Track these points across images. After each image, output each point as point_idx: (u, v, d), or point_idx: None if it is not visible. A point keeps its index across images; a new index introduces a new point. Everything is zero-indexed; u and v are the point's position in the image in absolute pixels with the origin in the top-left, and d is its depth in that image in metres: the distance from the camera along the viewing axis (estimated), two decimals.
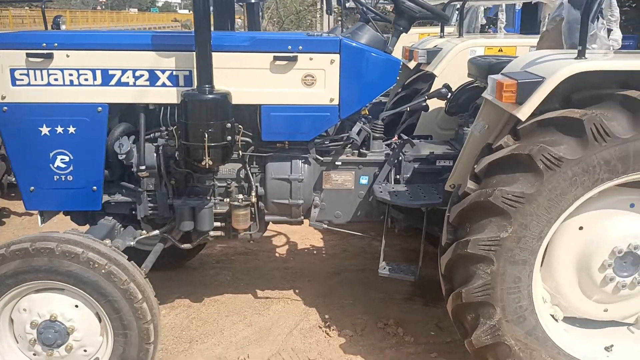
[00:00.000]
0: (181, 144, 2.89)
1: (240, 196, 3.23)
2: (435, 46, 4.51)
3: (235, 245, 5.01)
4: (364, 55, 3.07)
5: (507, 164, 2.50)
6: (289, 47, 3.00)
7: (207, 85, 2.77)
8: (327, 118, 3.12)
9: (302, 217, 3.41)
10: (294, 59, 3.00)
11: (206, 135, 2.76)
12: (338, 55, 3.03)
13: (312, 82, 3.05)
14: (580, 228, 2.68)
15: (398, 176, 3.44)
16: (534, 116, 2.52)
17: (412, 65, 4.83)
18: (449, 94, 3.77)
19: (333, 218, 3.48)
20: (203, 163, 2.81)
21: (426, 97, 3.67)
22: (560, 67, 2.40)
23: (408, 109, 3.76)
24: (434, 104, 4.09)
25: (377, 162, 3.39)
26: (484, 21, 5.56)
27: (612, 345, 2.79)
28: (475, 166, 2.67)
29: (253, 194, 3.24)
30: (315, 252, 5.03)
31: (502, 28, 6.09)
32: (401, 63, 3.23)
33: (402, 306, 3.98)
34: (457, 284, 2.69)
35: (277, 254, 4.94)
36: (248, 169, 3.24)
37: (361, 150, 3.40)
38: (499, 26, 6.14)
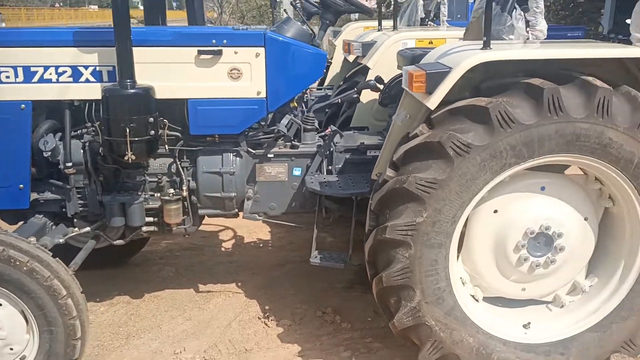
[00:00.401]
0: (104, 139, 2.89)
1: (172, 190, 3.25)
2: (372, 39, 4.59)
3: (180, 241, 5.01)
4: (289, 48, 3.13)
5: (421, 151, 2.58)
6: (213, 41, 3.03)
7: (128, 80, 2.78)
8: (255, 111, 3.17)
9: (236, 210, 3.45)
10: (219, 52, 3.03)
11: (128, 130, 2.77)
12: (263, 49, 3.07)
13: (238, 76, 3.09)
14: (495, 211, 2.80)
15: (330, 167, 3.51)
16: (449, 104, 2.62)
17: (351, 58, 4.90)
18: (382, 86, 3.85)
19: (268, 210, 3.53)
20: (126, 158, 2.82)
21: (355, 89, 3.75)
22: (465, 57, 2.49)
23: (339, 101, 3.83)
24: (369, 96, 4.17)
25: (310, 154, 3.45)
26: (424, 14, 5.67)
27: (529, 323, 2.92)
28: (394, 155, 2.76)
29: (184, 188, 3.26)
30: (261, 245, 5.07)
31: (445, 21, 6.21)
32: (326, 56, 3.29)
33: (342, 294, 4.05)
34: (379, 269, 2.77)
35: (222, 249, 4.97)
36: (178, 163, 3.26)
37: (293, 142, 3.45)
38: (441, 19, 6.27)
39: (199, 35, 3.06)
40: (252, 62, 3.08)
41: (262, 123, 3.30)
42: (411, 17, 5.66)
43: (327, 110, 4.28)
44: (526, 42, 3.19)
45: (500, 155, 2.52)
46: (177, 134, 3.20)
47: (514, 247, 2.78)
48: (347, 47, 4.87)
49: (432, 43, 4.20)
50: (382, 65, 4.10)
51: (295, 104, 3.42)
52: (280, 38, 3.12)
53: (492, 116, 2.47)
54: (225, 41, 3.04)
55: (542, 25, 4.12)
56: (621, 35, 11.84)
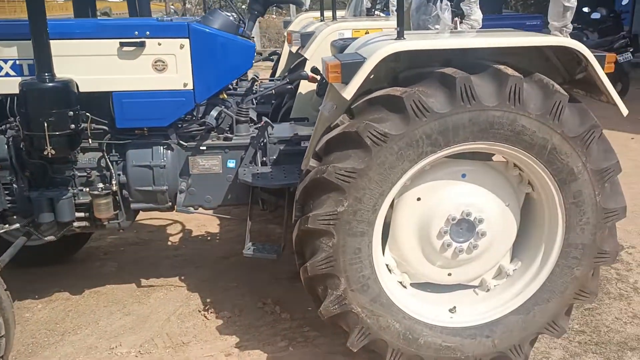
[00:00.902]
0: (24, 134, 2.84)
1: (101, 185, 3.22)
2: (313, 30, 4.60)
3: (126, 236, 4.97)
4: (215, 39, 3.12)
5: (341, 141, 2.61)
6: (136, 32, 3.01)
7: (46, 74, 2.73)
8: (182, 103, 3.15)
9: (170, 204, 3.44)
10: (142, 44, 3.00)
11: (46, 125, 2.73)
12: (187, 40, 3.05)
13: (163, 68, 3.07)
14: (418, 199, 2.84)
15: (264, 158, 3.52)
16: (369, 94, 2.65)
17: (294, 49, 4.90)
18: (318, 76, 3.86)
19: (204, 203, 3.52)
20: (45, 153, 2.77)
21: (287, 80, 3.75)
22: (379, 48, 2.52)
23: (273, 92, 3.83)
24: (309, 87, 4.19)
25: (243, 146, 3.45)
26: (369, 4, 5.69)
27: (454, 307, 2.98)
28: (317, 145, 2.77)
29: (114, 182, 3.23)
30: (209, 238, 5.06)
31: (394, 10, 6.25)
32: (255, 47, 3.28)
33: (285, 285, 4.08)
34: (306, 258, 2.79)
35: (169, 243, 4.94)
36: (107, 157, 3.23)
37: (226, 134, 3.45)
38: (390, 9, 6.30)
39: (120, 27, 3.03)
40: (177, 54, 3.06)
41: (192, 115, 3.28)
42: (357, 7, 5.67)
43: (263, 100, 4.28)
44: (452, 32, 3.23)
45: (417, 144, 2.56)
46: (105, 127, 3.16)
47: (437, 233, 2.83)
48: (291, 38, 4.87)
49: (368, 33, 4.21)
50: (319, 56, 4.10)
51: (225, 96, 3.40)
52: (205, 29, 3.10)
53: (406, 106, 2.50)
54: (148, 33, 3.01)
55: (477, 14, 4.17)
56: (578, 24, 12.14)
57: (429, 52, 2.66)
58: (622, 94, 10.13)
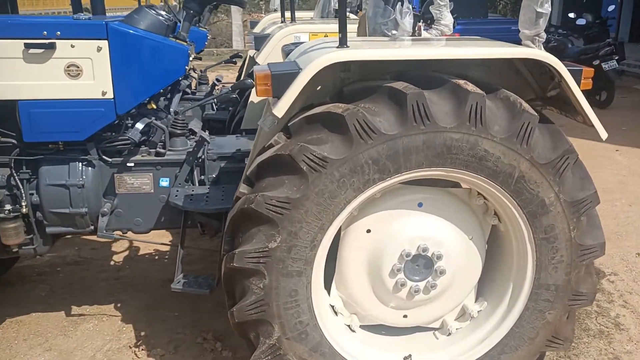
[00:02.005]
0: None
1: (8, 207, 2.79)
2: (270, 32, 4.20)
3: (66, 253, 4.53)
4: (139, 41, 2.71)
5: (273, 165, 2.22)
6: (44, 32, 2.60)
7: None
8: (102, 114, 2.74)
9: (92, 227, 3.02)
10: (51, 46, 2.59)
11: None
12: (106, 42, 2.65)
13: (77, 73, 2.66)
14: (368, 231, 2.46)
15: (203, 177, 3.11)
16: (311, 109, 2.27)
17: (252, 53, 4.51)
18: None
19: (133, 226, 3.11)
20: None
21: (230, 89, 3.35)
22: (315, 57, 2.13)
23: (216, 102, 3.43)
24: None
25: (178, 162, 3.04)
26: (337, 5, 5.31)
27: (410, 356, 2.60)
28: (248, 168, 2.38)
29: (24, 203, 2.81)
30: (157, 257, 4.62)
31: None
32: (189, 50, 2.87)
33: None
34: (236, 300, 2.40)
35: (112, 262, 4.51)
36: (16, 175, 2.80)
37: (159, 149, 3.03)
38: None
39: (25, 26, 2.61)
40: (94, 58, 2.65)
41: (114, 128, 2.87)
42: (325, 8, 5.29)
43: (224, 106, 3.87)
44: (413, 39, 2.86)
45: (362, 170, 2.18)
46: (13, 140, 2.74)
47: (389, 271, 2.45)
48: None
49: (327, 36, 3.83)
50: (272, 60, 3.71)
51: (154, 106, 2.99)
52: (128, 29, 2.69)
53: (349, 125, 2.12)
54: (58, 33, 2.60)
55: (448, 19, 3.81)
56: (563, 29, 11.88)
57: (383, 62, 2.28)
58: (606, 102, 9.85)
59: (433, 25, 3.86)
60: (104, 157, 2.93)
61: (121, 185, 3.01)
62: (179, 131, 3.08)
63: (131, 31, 2.70)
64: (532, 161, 2.26)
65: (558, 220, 2.35)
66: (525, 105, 2.24)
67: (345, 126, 2.12)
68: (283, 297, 2.29)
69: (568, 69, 2.30)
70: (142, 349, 3.29)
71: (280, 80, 2.14)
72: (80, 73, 2.66)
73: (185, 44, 2.95)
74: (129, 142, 2.91)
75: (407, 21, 2.92)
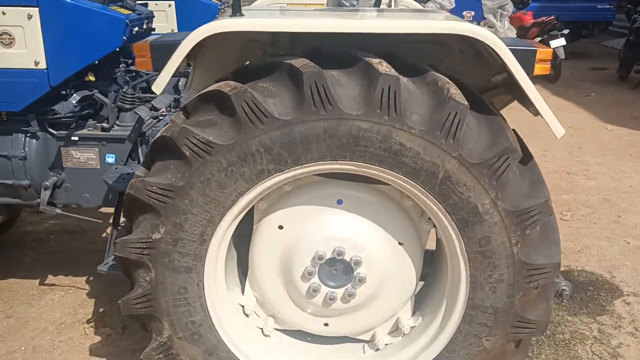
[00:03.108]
0: None
1: None
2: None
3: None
4: (71, 9, 2.57)
5: (161, 148, 2.00)
6: None
7: None
8: (35, 84, 2.64)
9: (39, 200, 2.96)
10: None
11: None
12: (36, 9, 2.53)
13: (10, 42, 2.57)
14: (280, 227, 2.19)
15: None
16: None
17: None
18: None
19: (82, 201, 3.03)
20: None
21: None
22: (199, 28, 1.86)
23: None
24: None
25: (124, 139, 2.90)
26: None
27: None
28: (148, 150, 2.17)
29: None
30: None
31: None
32: (126, 20, 2.69)
33: None
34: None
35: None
36: None
37: (104, 124, 2.91)
38: None
39: None
40: (25, 26, 2.54)
41: (53, 100, 2.76)
42: None
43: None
44: (380, 10, 2.50)
45: (253, 160, 1.90)
46: None
47: (301, 274, 2.17)
48: None
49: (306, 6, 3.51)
50: None
51: (92, 78, 2.85)
52: None
53: (236, 107, 1.85)
54: None
55: None
56: None
57: (308, 36, 1.96)
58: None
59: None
60: (49, 129, 2.84)
61: (68, 159, 2.92)
62: (127, 106, 2.93)
63: None
64: (460, 159, 1.88)
65: (495, 232, 1.96)
66: (455, 91, 1.85)
67: (232, 108, 1.86)
68: (171, 294, 2.08)
69: (516, 49, 1.88)
70: (92, 326, 3.23)
71: (159, 52, 1.90)
72: (13, 42, 2.56)
73: (130, 12, 2.77)
74: (70, 114, 2.80)
75: None
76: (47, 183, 2.88)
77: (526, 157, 2.02)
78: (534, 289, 2.06)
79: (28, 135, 2.81)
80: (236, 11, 1.94)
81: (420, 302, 2.40)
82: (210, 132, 1.89)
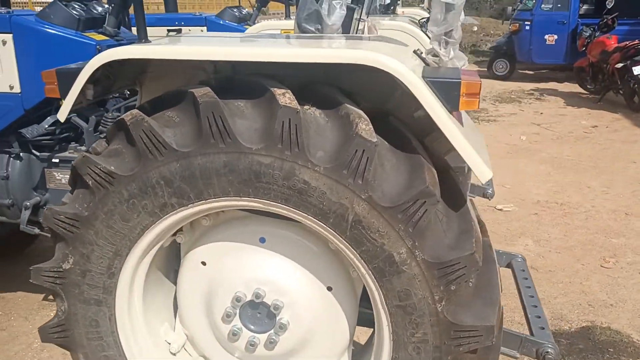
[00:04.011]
0: None
1: None
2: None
3: None
4: (42, 35, 2.63)
5: (74, 177, 1.95)
6: None
7: None
8: (10, 108, 2.73)
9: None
10: None
11: None
12: (10, 35, 2.62)
13: None
14: (204, 263, 2.07)
15: None
16: None
17: None
18: None
19: None
20: None
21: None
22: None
23: None
24: None
25: None
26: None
27: None
28: None
29: None
30: None
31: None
32: (97, 46, 2.72)
33: None
34: None
35: None
36: None
37: (78, 147, 2.96)
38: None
39: None
40: (0, 51, 2.63)
41: (29, 122, 2.84)
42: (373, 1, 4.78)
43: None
44: (330, 37, 2.35)
45: (154, 192, 1.81)
46: None
47: (222, 315, 2.04)
48: None
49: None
50: None
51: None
52: (31, 23, 2.63)
53: (134, 136, 1.77)
54: None
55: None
56: None
57: (248, 63, 1.84)
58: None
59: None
60: (34, 151, 2.93)
61: (51, 180, 2.99)
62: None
63: (33, 25, 2.63)
64: (370, 202, 1.68)
65: (415, 285, 1.73)
66: (364, 127, 1.66)
67: (132, 137, 1.78)
68: (84, 326, 2.02)
69: (438, 81, 1.66)
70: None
71: (64, 79, 1.87)
72: None
73: (106, 38, 2.81)
74: (49, 137, 2.87)
75: (336, 16, 2.42)
76: (27, 203, 2.96)
77: (458, 204, 1.77)
78: (468, 354, 1.79)
79: (12, 156, 2.91)
80: (141, 38, 1.88)
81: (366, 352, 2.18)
82: (113, 162, 1.83)
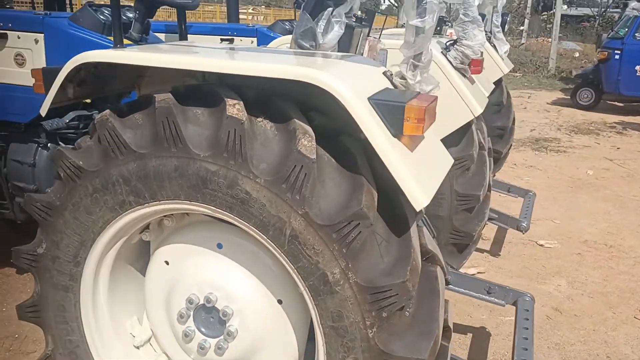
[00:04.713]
0: None
1: None
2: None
3: None
4: (70, 37, 2.85)
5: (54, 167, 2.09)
6: (0, 24, 2.91)
7: None
8: (37, 101, 2.93)
9: None
10: (4, 36, 2.91)
11: None
12: (42, 35, 2.86)
13: (22, 62, 2.93)
14: (167, 262, 2.14)
15: None
16: None
17: None
18: None
19: None
20: None
21: None
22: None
23: None
24: None
25: None
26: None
27: None
28: None
29: None
30: None
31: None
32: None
33: None
34: None
35: None
36: None
37: None
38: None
39: None
40: (33, 49, 2.89)
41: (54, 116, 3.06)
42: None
43: None
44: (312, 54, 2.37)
45: (114, 189, 1.90)
46: None
47: (176, 315, 2.09)
48: None
49: None
50: None
51: (87, 100, 3.08)
52: (61, 25, 2.85)
53: (100, 135, 1.88)
54: (10, 25, 2.90)
55: (477, 39, 3.14)
56: None
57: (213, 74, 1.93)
58: None
59: (455, 46, 3.15)
60: (60, 142, 3.15)
61: None
62: None
63: (63, 27, 2.85)
64: (307, 218, 1.67)
65: (347, 308, 1.70)
66: (306, 143, 1.66)
67: (97, 136, 1.89)
68: (53, 309, 2.15)
69: (382, 103, 1.63)
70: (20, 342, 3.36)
71: (48, 77, 2.02)
72: (25, 62, 2.92)
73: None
74: (72, 131, 3.07)
75: (332, 35, 2.43)
76: (49, 190, 3.17)
77: (401, 229, 1.72)
78: None
79: (40, 145, 3.14)
80: (117, 43, 1.98)
81: None
82: (82, 157, 1.94)
